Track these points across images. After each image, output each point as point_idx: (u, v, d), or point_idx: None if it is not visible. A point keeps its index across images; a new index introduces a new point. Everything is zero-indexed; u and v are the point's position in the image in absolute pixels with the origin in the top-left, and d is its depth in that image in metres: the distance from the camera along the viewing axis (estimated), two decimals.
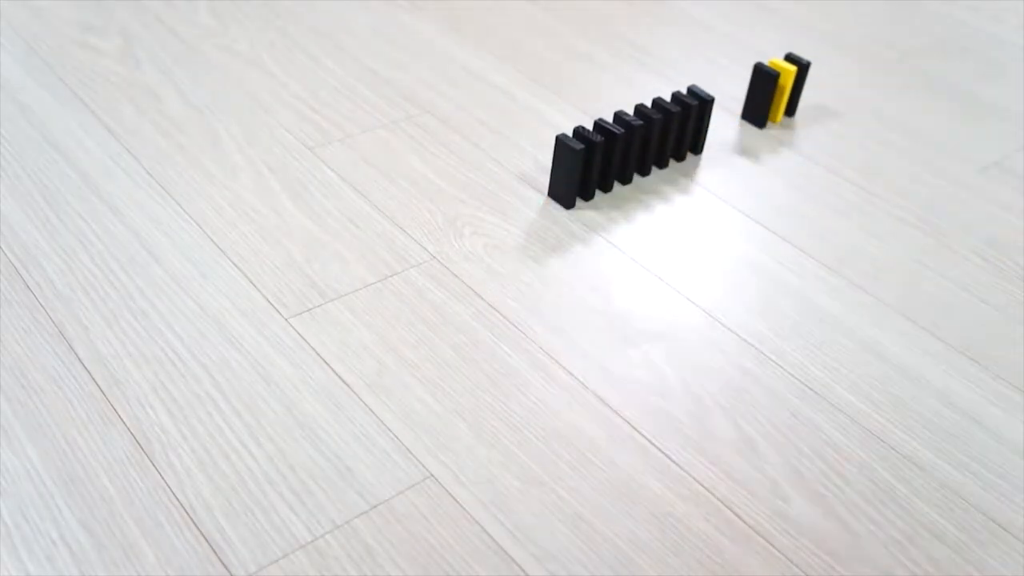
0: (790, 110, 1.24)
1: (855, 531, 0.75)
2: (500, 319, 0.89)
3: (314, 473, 0.74)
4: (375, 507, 0.72)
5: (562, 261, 0.97)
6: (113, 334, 0.84)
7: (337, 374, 0.82)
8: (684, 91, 1.10)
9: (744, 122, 1.22)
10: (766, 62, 1.19)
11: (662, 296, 0.94)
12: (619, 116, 1.05)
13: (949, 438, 0.84)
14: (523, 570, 0.69)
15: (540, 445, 0.78)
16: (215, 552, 0.68)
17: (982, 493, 0.79)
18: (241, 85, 1.19)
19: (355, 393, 0.81)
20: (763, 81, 1.19)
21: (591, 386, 0.84)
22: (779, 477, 0.78)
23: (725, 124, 1.21)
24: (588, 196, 1.05)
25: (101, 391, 0.79)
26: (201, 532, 0.69)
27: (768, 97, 1.19)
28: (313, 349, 0.84)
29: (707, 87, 1.16)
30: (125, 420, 0.77)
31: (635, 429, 0.80)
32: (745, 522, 0.74)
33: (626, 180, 1.08)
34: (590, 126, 1.04)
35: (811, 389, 0.87)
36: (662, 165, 1.12)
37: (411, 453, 0.76)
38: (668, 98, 1.10)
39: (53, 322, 0.85)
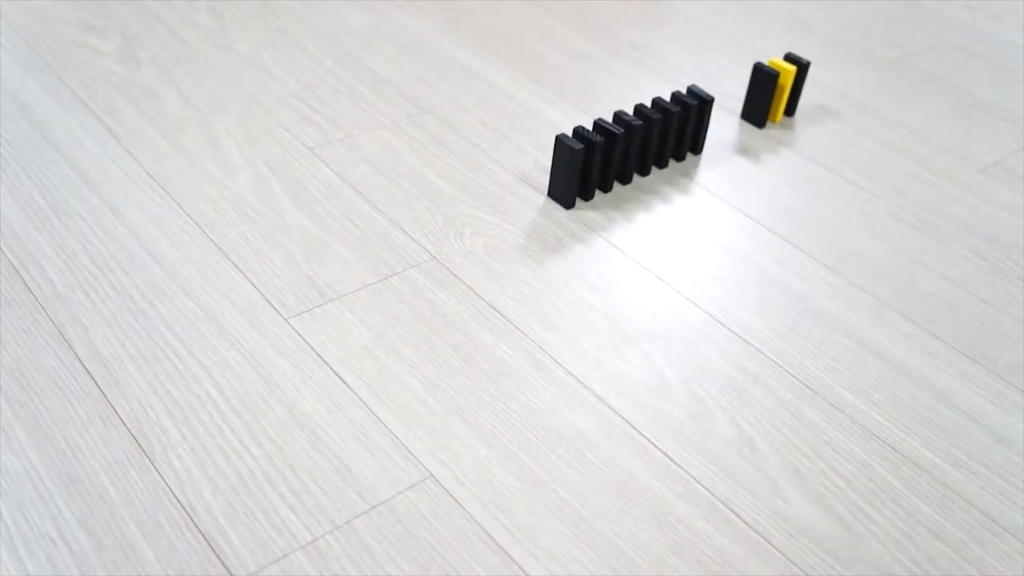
0: (790, 110, 1.24)
1: (855, 531, 0.75)
2: (500, 319, 0.90)
3: (314, 473, 0.74)
4: (375, 507, 0.72)
5: (562, 261, 0.97)
6: (113, 334, 0.84)
7: (337, 374, 0.82)
8: (684, 91, 1.10)
9: (744, 122, 1.23)
10: (766, 62, 1.19)
11: (662, 296, 0.94)
12: (619, 116, 1.05)
13: (949, 437, 0.84)
14: (523, 570, 0.69)
15: (540, 445, 0.78)
16: (215, 552, 0.68)
17: (982, 493, 0.79)
18: (241, 85, 1.19)
19: (355, 393, 0.81)
20: (763, 81, 1.19)
21: (591, 386, 0.84)
22: (779, 477, 0.78)
23: (725, 124, 1.21)
24: (588, 196, 1.05)
25: (101, 391, 0.79)
26: (201, 532, 0.69)
27: (768, 97, 1.19)
28: (313, 349, 0.84)
29: (707, 87, 1.16)
30: (125, 420, 0.77)
31: (635, 429, 0.80)
32: (745, 522, 0.74)
33: (626, 180, 1.08)
34: (590, 126, 1.04)
35: (811, 389, 0.87)
36: (662, 165, 1.12)
37: (411, 453, 0.76)
38: (668, 98, 1.10)
39: (53, 322, 0.85)
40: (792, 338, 0.91)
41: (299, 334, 0.86)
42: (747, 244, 1.02)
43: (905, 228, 1.07)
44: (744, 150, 1.17)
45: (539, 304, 0.92)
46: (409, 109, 1.18)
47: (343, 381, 0.82)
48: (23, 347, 0.82)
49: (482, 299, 0.92)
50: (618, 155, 1.05)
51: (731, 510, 0.75)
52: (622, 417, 0.81)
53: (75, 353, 0.82)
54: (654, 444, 0.79)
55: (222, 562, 0.68)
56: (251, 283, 0.91)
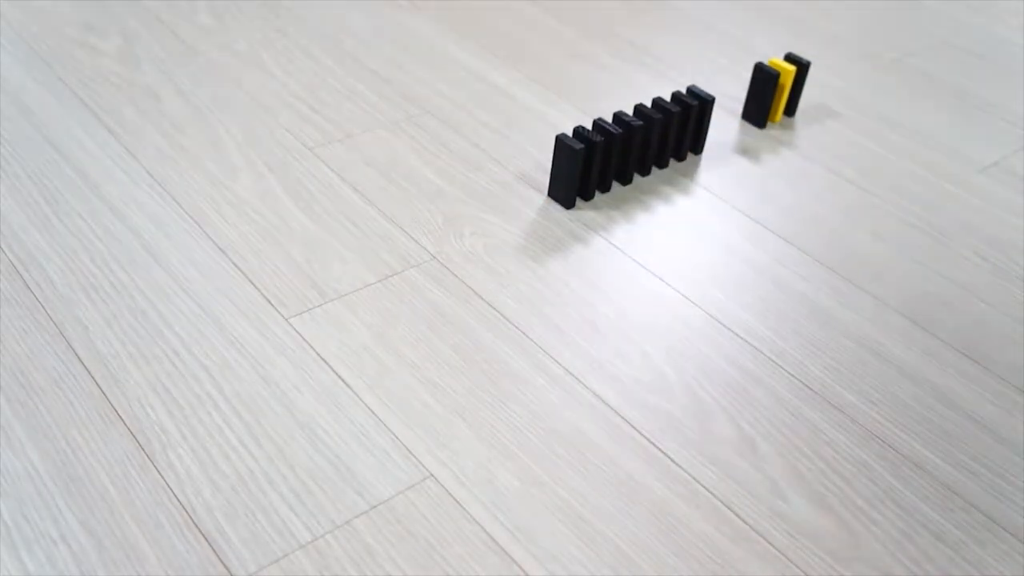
0: (790, 110, 1.24)
1: (854, 531, 0.75)
2: (500, 319, 0.90)
3: (314, 473, 0.74)
4: (375, 507, 0.72)
5: (562, 261, 0.97)
6: (113, 334, 0.84)
7: (337, 374, 0.82)
8: (684, 91, 1.10)
9: (744, 122, 1.23)
10: (766, 62, 1.19)
11: (662, 296, 0.94)
12: (619, 116, 1.05)
13: (948, 438, 0.84)
14: (523, 570, 0.69)
15: (540, 445, 0.78)
16: (215, 552, 0.68)
17: (982, 493, 0.79)
18: (241, 85, 1.19)
19: (355, 393, 0.81)
20: (763, 81, 1.19)
21: (591, 386, 0.84)
22: (779, 477, 0.78)
23: (725, 124, 1.21)
24: (588, 196, 1.05)
25: (101, 391, 0.79)
26: (201, 532, 0.69)
27: (768, 97, 1.19)
28: (313, 349, 0.84)
29: (707, 87, 1.16)
30: (125, 420, 0.77)
31: (635, 429, 0.80)
32: (745, 522, 0.74)
33: (626, 180, 1.08)
34: (590, 126, 1.04)
35: (811, 389, 0.87)
36: (662, 165, 1.12)
37: (411, 453, 0.76)
38: (668, 98, 1.10)
39: (53, 322, 0.85)
40: (792, 338, 0.91)
41: (299, 334, 0.86)
42: (747, 244, 1.02)
43: (905, 228, 1.07)
44: (744, 150, 1.17)
45: (539, 304, 0.92)
46: (409, 109, 1.18)
47: (343, 381, 0.82)
48: (23, 347, 0.82)
49: (482, 299, 0.92)
50: (618, 155, 1.05)
51: (731, 510, 0.75)
52: (622, 417, 0.81)
53: (75, 353, 0.82)
54: (654, 444, 0.79)
55: (222, 562, 0.68)
56: (251, 283, 0.91)
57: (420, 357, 0.85)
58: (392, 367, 0.84)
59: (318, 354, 0.84)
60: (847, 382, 0.88)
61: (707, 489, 0.76)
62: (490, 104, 1.21)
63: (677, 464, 0.78)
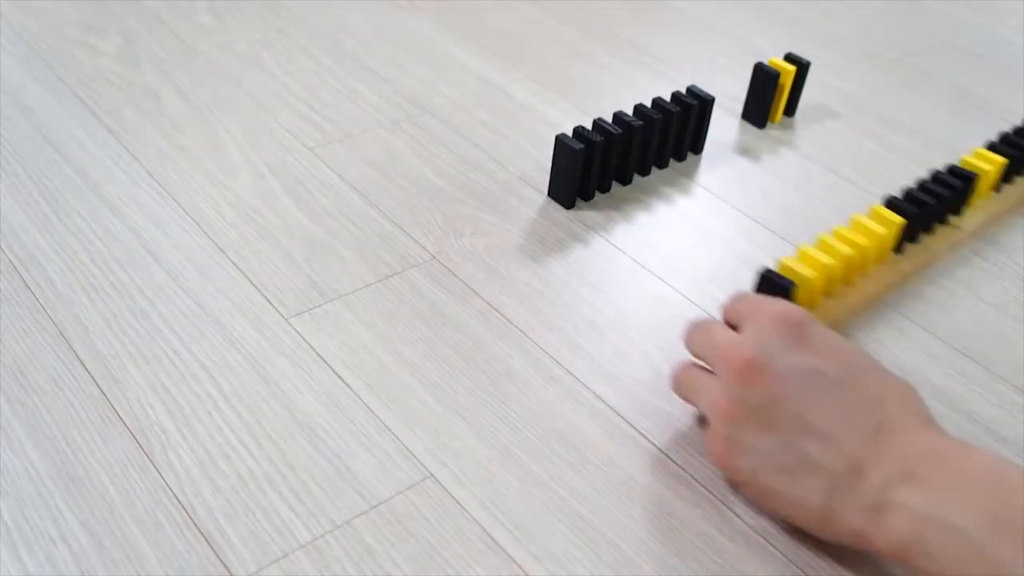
0: (790, 110, 1.24)
1: None
2: (500, 319, 0.90)
3: (314, 473, 0.74)
4: (375, 507, 0.72)
5: (562, 261, 0.97)
6: (113, 334, 0.84)
7: (337, 374, 0.82)
8: (684, 91, 1.10)
9: (744, 122, 1.23)
10: (766, 62, 1.19)
11: (662, 296, 0.94)
12: (619, 116, 1.05)
13: None
14: (523, 570, 0.69)
15: (540, 445, 0.78)
16: (215, 552, 0.68)
17: None
18: (241, 85, 1.19)
19: (355, 393, 0.81)
20: (763, 81, 1.19)
21: (591, 386, 0.84)
22: None
23: (725, 124, 1.21)
24: (588, 196, 1.05)
25: (101, 391, 0.79)
26: (201, 532, 0.69)
27: (768, 97, 1.19)
28: (313, 349, 0.84)
29: (707, 87, 1.16)
30: (125, 420, 0.77)
31: (635, 429, 0.80)
32: (745, 522, 0.74)
33: (626, 180, 1.08)
34: (590, 126, 1.04)
35: None
36: (662, 165, 1.12)
37: (411, 453, 0.76)
38: (668, 98, 1.10)
39: (53, 322, 0.85)
40: None
41: (299, 334, 0.86)
42: (748, 244, 1.02)
43: None
44: (744, 150, 1.17)
45: (539, 304, 0.92)
46: (409, 109, 1.18)
47: (343, 381, 0.82)
48: (23, 347, 0.82)
49: (482, 299, 0.92)
50: (618, 155, 1.05)
51: (731, 510, 0.75)
52: (622, 417, 0.81)
53: (75, 352, 0.82)
54: (654, 444, 0.79)
55: (222, 562, 0.68)
56: (251, 283, 0.91)
57: (420, 357, 0.85)
58: (392, 367, 0.84)
59: (318, 354, 0.84)
60: None
61: (707, 489, 0.76)
62: (490, 104, 1.21)
63: (677, 464, 0.78)
